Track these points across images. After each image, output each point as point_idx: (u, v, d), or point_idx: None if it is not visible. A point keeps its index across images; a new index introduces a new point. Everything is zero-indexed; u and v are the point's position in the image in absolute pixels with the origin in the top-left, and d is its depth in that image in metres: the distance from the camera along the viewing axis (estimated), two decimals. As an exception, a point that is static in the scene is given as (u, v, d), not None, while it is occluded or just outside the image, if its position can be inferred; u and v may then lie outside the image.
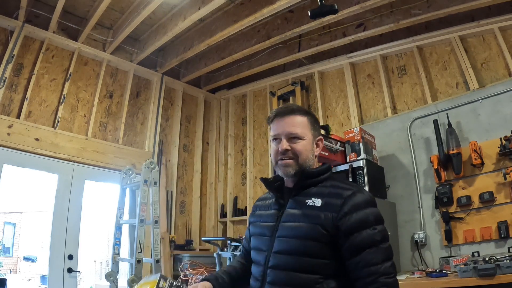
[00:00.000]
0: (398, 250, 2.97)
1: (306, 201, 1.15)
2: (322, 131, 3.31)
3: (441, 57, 3.29)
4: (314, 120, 1.25)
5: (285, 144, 1.18)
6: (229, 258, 3.26)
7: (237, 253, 3.09)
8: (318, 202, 1.13)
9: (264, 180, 1.29)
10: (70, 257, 3.36)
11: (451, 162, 2.77)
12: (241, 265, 1.37)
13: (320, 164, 1.28)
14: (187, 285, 1.39)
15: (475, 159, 2.64)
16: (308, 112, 1.26)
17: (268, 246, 1.17)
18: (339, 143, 3.01)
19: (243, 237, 1.49)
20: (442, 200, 2.80)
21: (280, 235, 1.15)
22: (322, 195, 1.14)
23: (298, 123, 1.21)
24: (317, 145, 1.25)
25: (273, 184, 1.27)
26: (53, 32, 3.68)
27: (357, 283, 1.05)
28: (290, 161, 1.18)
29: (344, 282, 1.08)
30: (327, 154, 2.87)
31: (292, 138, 1.19)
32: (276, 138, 1.22)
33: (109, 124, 4.04)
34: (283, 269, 1.11)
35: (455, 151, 2.75)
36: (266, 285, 1.13)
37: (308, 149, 1.21)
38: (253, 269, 1.23)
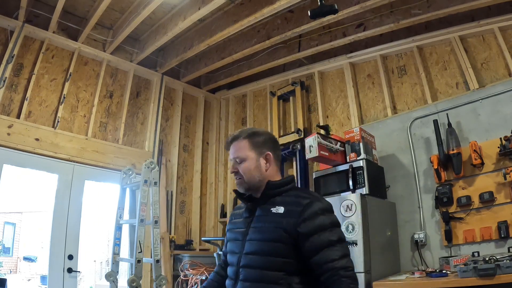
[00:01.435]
0: (398, 250, 2.97)
1: (271, 209, 1.32)
2: (323, 131, 3.32)
3: (441, 57, 3.29)
4: (256, 141, 1.42)
5: (232, 167, 1.42)
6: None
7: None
8: (281, 209, 1.30)
9: (237, 192, 1.47)
10: (70, 257, 3.36)
11: (451, 162, 2.77)
12: (216, 276, 1.56)
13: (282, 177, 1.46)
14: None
15: (475, 159, 2.64)
16: (250, 134, 1.43)
17: (240, 249, 1.33)
18: (339, 143, 3.01)
19: None
20: (442, 200, 2.80)
21: (249, 239, 1.32)
22: (285, 203, 1.31)
23: (240, 148, 1.41)
24: (266, 160, 1.41)
25: (244, 195, 1.44)
26: (53, 32, 3.68)
27: (321, 278, 1.20)
28: (240, 180, 1.40)
29: (306, 278, 1.24)
30: (327, 154, 2.87)
31: (237, 161, 1.40)
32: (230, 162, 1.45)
33: (109, 124, 4.04)
34: (253, 268, 1.27)
35: (455, 151, 2.75)
36: (239, 283, 1.29)
37: (251, 168, 1.38)
38: (228, 270, 1.39)
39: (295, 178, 3.87)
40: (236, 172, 1.40)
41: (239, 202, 1.55)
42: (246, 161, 1.39)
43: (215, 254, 3.37)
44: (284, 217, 1.27)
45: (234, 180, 1.45)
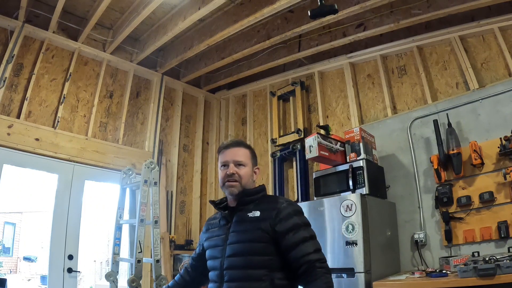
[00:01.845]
0: (398, 250, 2.97)
1: (248, 214, 1.44)
2: (323, 131, 3.32)
3: (441, 57, 3.29)
4: (253, 153, 1.59)
5: (232, 169, 1.49)
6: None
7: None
8: (257, 213, 1.43)
9: (212, 202, 1.60)
10: (70, 257, 3.36)
11: (451, 162, 2.77)
12: (181, 278, 1.67)
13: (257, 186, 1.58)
14: None
15: (475, 159, 2.64)
16: (249, 146, 1.62)
17: (221, 253, 1.43)
18: (339, 143, 3.01)
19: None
20: (442, 200, 2.79)
21: (230, 242, 1.42)
22: (260, 208, 1.44)
23: (243, 154, 1.53)
24: (255, 173, 1.57)
25: (220, 205, 1.56)
26: (53, 32, 3.68)
27: (299, 270, 1.33)
28: (235, 183, 1.48)
29: (287, 273, 1.37)
30: (327, 154, 2.87)
31: (238, 164, 1.50)
32: (224, 165, 1.52)
33: (109, 124, 4.04)
34: (237, 268, 1.37)
35: (455, 151, 2.75)
36: (224, 284, 1.37)
37: (249, 174, 1.52)
38: (211, 275, 1.48)
39: (296, 178, 3.88)
40: (233, 174, 1.48)
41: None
42: (246, 167, 1.51)
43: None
44: (261, 219, 1.40)
45: (222, 185, 1.52)
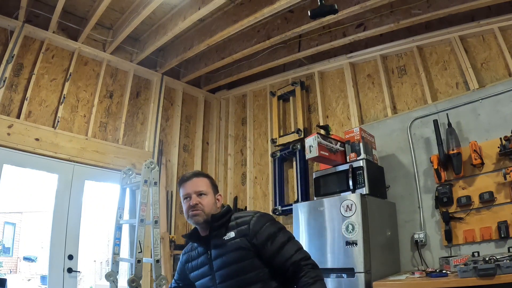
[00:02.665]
0: (398, 250, 2.97)
1: (224, 237, 1.47)
2: (323, 131, 3.32)
3: (441, 57, 3.29)
4: (213, 182, 1.63)
5: (194, 199, 1.51)
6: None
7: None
8: (232, 234, 1.46)
9: (185, 236, 1.63)
10: (70, 257, 3.36)
11: (451, 162, 2.77)
12: None
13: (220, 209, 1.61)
14: None
15: (475, 159, 2.64)
16: (208, 175, 1.66)
17: (212, 281, 1.46)
18: (339, 143, 3.01)
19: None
20: (442, 200, 2.79)
21: (217, 269, 1.45)
22: (233, 228, 1.48)
23: (203, 184, 1.57)
24: (218, 200, 1.60)
25: (194, 236, 1.59)
26: (53, 32, 3.68)
27: (288, 274, 1.37)
28: (199, 211, 1.51)
29: (281, 279, 1.41)
30: (327, 154, 2.87)
31: (199, 194, 1.53)
32: (187, 197, 1.54)
33: (109, 124, 4.04)
34: None
35: (455, 151, 2.75)
36: None
37: (211, 203, 1.55)
38: None
39: (296, 178, 3.88)
40: (196, 205, 1.51)
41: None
42: (207, 196, 1.54)
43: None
44: (237, 238, 1.44)
45: (187, 217, 1.54)
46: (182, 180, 1.59)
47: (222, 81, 4.77)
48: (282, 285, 1.41)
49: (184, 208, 1.56)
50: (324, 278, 1.39)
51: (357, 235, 2.50)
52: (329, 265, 2.62)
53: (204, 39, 3.82)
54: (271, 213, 3.80)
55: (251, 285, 1.38)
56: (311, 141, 2.86)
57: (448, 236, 2.72)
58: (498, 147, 2.57)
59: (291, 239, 1.44)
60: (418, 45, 3.40)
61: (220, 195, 1.63)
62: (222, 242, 1.46)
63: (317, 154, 2.80)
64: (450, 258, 2.42)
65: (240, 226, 1.47)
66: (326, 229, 2.72)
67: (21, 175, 4.29)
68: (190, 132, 4.78)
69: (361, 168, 2.80)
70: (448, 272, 2.27)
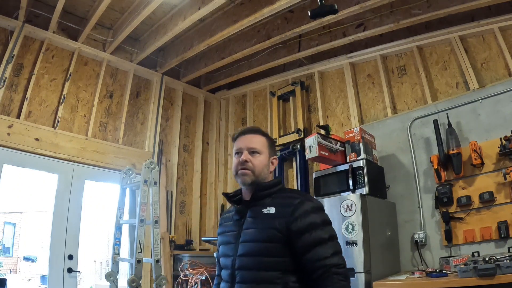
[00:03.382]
0: (398, 250, 2.97)
1: (262, 210, 1.33)
2: (323, 131, 3.32)
3: (441, 57, 3.29)
4: (271, 142, 1.48)
5: (245, 156, 1.38)
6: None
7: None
8: (272, 210, 1.31)
9: (226, 195, 1.48)
10: (70, 257, 3.36)
11: (451, 162, 2.77)
12: None
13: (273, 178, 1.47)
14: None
15: (475, 159, 2.64)
16: (267, 134, 1.50)
17: (233, 251, 1.33)
18: (339, 143, 3.01)
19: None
20: (442, 200, 2.80)
21: (242, 241, 1.33)
22: (275, 204, 1.33)
23: (258, 141, 1.42)
24: (272, 163, 1.45)
25: (233, 198, 1.45)
26: (53, 32, 3.68)
27: (313, 275, 1.22)
28: (248, 171, 1.37)
29: (302, 276, 1.25)
30: (327, 154, 2.87)
31: (252, 152, 1.39)
32: (238, 152, 1.42)
33: (109, 124, 4.04)
34: (248, 269, 1.28)
35: (455, 151, 2.75)
36: (235, 285, 1.29)
37: (264, 164, 1.40)
38: (223, 273, 1.39)
39: (296, 178, 3.88)
40: (246, 162, 1.37)
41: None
42: (261, 155, 1.40)
43: (215, 254, 3.34)
44: (275, 217, 1.28)
45: (235, 173, 1.40)
46: (237, 134, 1.46)
47: (222, 81, 4.77)
48: (301, 282, 1.25)
49: (233, 164, 1.42)
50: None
51: (357, 235, 2.50)
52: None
53: (204, 39, 3.82)
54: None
55: (270, 270, 1.24)
56: (311, 141, 2.86)
57: (448, 236, 2.72)
58: (498, 147, 2.57)
59: (332, 238, 1.27)
60: (418, 45, 3.40)
61: (275, 158, 1.47)
62: (259, 214, 1.33)
63: (317, 154, 2.80)
64: (450, 258, 2.42)
65: (283, 205, 1.30)
66: (326, 229, 2.71)
67: (21, 175, 4.29)
68: (190, 132, 4.78)
69: (361, 168, 2.80)
70: (448, 272, 2.27)
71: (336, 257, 1.23)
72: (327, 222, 1.30)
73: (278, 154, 4.10)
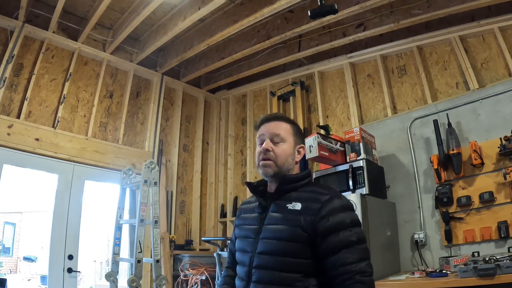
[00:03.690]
0: (398, 250, 2.97)
1: (287, 205, 1.21)
2: (323, 131, 3.32)
3: (441, 57, 3.29)
4: (297, 129, 1.34)
5: (267, 144, 1.26)
6: (229, 258, 3.26)
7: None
8: (298, 206, 1.19)
9: (249, 184, 1.36)
10: (70, 257, 3.36)
11: (451, 162, 2.77)
12: (231, 279, 1.37)
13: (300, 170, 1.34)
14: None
15: (475, 159, 2.64)
16: (293, 121, 1.37)
17: (252, 247, 1.23)
18: (339, 143, 3.01)
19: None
20: (442, 200, 2.79)
21: (263, 237, 1.21)
22: (302, 199, 1.21)
23: (282, 128, 1.29)
24: (299, 152, 1.32)
25: (257, 188, 1.34)
26: (53, 32, 3.68)
27: (335, 281, 1.10)
28: (270, 161, 1.25)
29: (324, 280, 1.14)
30: (327, 154, 2.87)
31: (275, 140, 1.27)
32: (261, 141, 1.30)
33: (109, 124, 4.04)
34: (267, 269, 1.17)
35: (455, 151, 2.75)
36: (251, 284, 1.19)
37: (288, 153, 1.28)
38: (238, 270, 1.29)
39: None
40: (268, 151, 1.25)
41: (247, 195, 1.45)
42: (284, 144, 1.27)
43: (215, 254, 3.37)
44: (301, 214, 1.17)
45: (257, 164, 1.29)
46: (260, 121, 1.34)
47: (222, 81, 4.78)
48: (321, 286, 1.14)
49: (256, 153, 1.31)
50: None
51: (357, 235, 2.50)
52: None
53: (204, 39, 3.82)
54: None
55: (291, 272, 1.14)
56: (311, 141, 2.86)
57: (448, 236, 2.72)
58: (498, 147, 2.57)
59: (361, 242, 1.14)
60: (418, 45, 3.40)
61: (302, 147, 1.33)
62: (284, 209, 1.21)
63: (317, 154, 2.80)
64: (450, 258, 2.42)
65: (311, 201, 1.18)
66: (326, 229, 2.71)
67: (21, 175, 4.29)
68: (190, 132, 4.78)
69: (361, 168, 2.79)
70: (448, 272, 2.27)
71: (363, 263, 1.10)
72: (357, 223, 1.18)
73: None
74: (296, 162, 1.31)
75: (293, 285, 1.12)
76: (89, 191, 3.76)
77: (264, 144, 1.26)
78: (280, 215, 1.21)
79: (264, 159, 1.26)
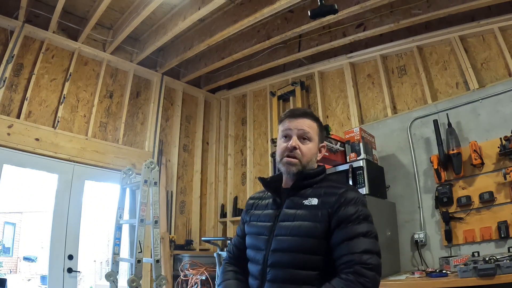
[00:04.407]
0: (398, 250, 2.97)
1: (303, 201, 1.20)
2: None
3: (441, 57, 3.29)
4: (321, 127, 1.33)
5: (295, 142, 1.24)
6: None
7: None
8: (314, 201, 1.18)
9: (262, 180, 1.33)
10: (70, 257, 3.36)
11: (451, 162, 2.77)
12: (236, 274, 1.33)
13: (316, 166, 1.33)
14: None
15: (475, 159, 2.64)
16: (318, 118, 1.34)
17: (266, 245, 1.20)
18: (339, 143, 3.01)
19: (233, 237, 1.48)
20: (442, 200, 2.79)
21: (278, 234, 1.18)
22: (318, 195, 1.20)
23: (310, 126, 1.27)
24: (320, 151, 1.32)
25: (271, 184, 1.31)
26: (53, 32, 3.68)
27: (338, 268, 1.09)
28: (295, 160, 1.23)
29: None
30: (327, 154, 2.87)
31: (303, 138, 1.25)
32: (287, 136, 1.27)
33: (109, 124, 4.04)
34: (283, 267, 1.14)
35: (455, 151, 2.75)
36: (266, 283, 1.16)
37: (313, 152, 1.27)
38: (251, 268, 1.26)
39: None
40: (295, 149, 1.23)
41: (258, 189, 1.35)
42: (311, 143, 1.26)
43: (215, 254, 3.37)
44: (319, 209, 1.15)
45: (280, 159, 1.26)
46: (287, 115, 1.30)
47: (222, 81, 4.78)
48: None
49: (279, 149, 1.27)
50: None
51: (357, 235, 2.50)
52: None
53: (204, 39, 3.82)
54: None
55: (307, 269, 1.11)
56: (311, 141, 2.86)
57: (448, 236, 2.72)
58: (498, 147, 2.57)
59: (369, 234, 1.12)
60: (418, 45, 3.40)
61: (324, 146, 1.33)
62: (300, 205, 1.19)
63: (319, 159, 2.79)
64: (450, 258, 2.42)
65: (327, 195, 1.17)
66: (326, 229, 2.71)
67: (21, 175, 4.29)
68: (190, 132, 4.78)
69: (361, 168, 2.79)
70: (448, 272, 2.27)
71: (367, 255, 1.07)
72: (367, 218, 1.16)
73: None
74: (317, 161, 1.31)
75: (311, 283, 1.10)
76: (89, 191, 3.76)
77: (292, 141, 1.24)
78: (296, 211, 1.19)
79: (289, 156, 1.24)
